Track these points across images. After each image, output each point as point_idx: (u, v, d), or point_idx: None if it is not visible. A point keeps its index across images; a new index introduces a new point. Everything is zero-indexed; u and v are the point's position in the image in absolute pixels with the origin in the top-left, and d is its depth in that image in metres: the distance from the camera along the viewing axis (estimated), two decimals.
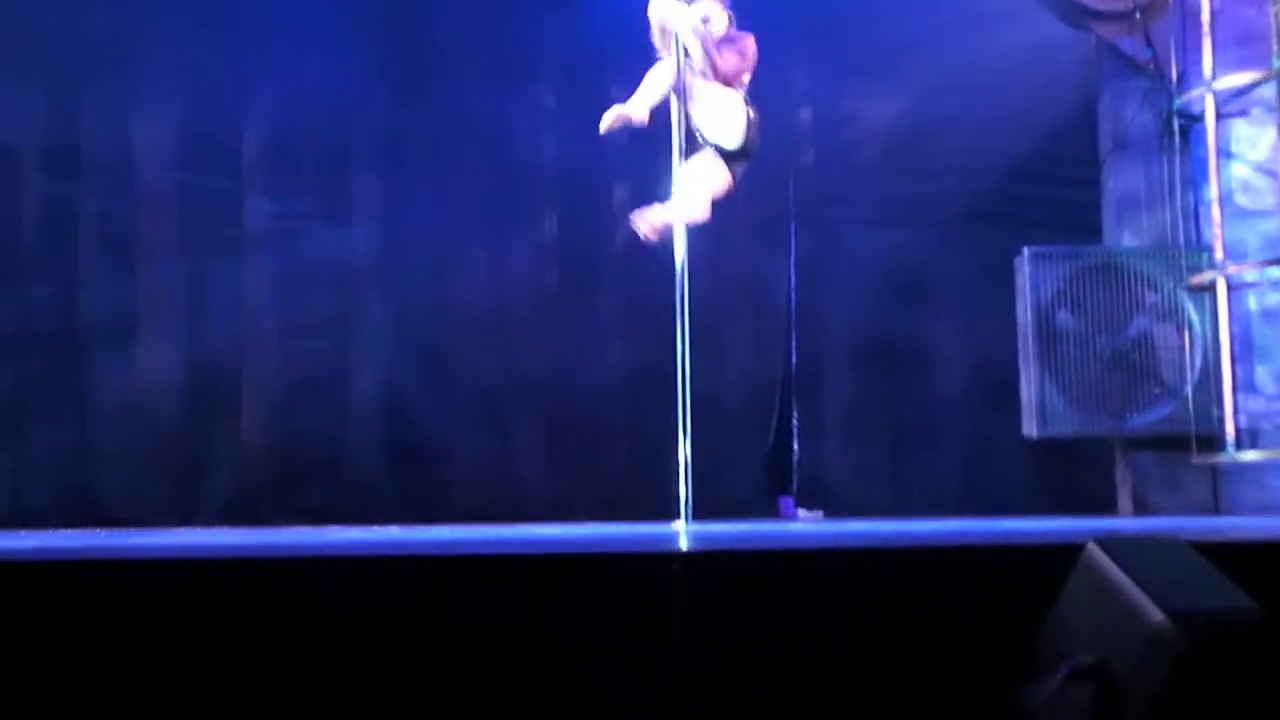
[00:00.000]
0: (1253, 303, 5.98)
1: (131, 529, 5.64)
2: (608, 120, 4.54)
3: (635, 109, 4.54)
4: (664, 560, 2.27)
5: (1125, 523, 5.00)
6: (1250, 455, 5.58)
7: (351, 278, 6.42)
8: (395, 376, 6.31)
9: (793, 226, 6.61)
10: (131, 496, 6.08)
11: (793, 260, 6.58)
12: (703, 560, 2.32)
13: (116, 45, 6.25)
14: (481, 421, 6.33)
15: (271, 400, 6.29)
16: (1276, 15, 5.70)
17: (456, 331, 6.38)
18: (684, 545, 2.72)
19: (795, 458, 6.47)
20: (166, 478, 6.17)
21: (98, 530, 5.41)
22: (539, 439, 6.35)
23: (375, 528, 5.07)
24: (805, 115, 6.68)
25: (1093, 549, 2.01)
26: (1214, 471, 5.97)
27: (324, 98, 6.21)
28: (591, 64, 6.27)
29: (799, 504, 6.41)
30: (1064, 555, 2.11)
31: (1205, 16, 5.48)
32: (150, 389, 6.22)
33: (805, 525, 5.50)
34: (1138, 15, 6.14)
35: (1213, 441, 5.64)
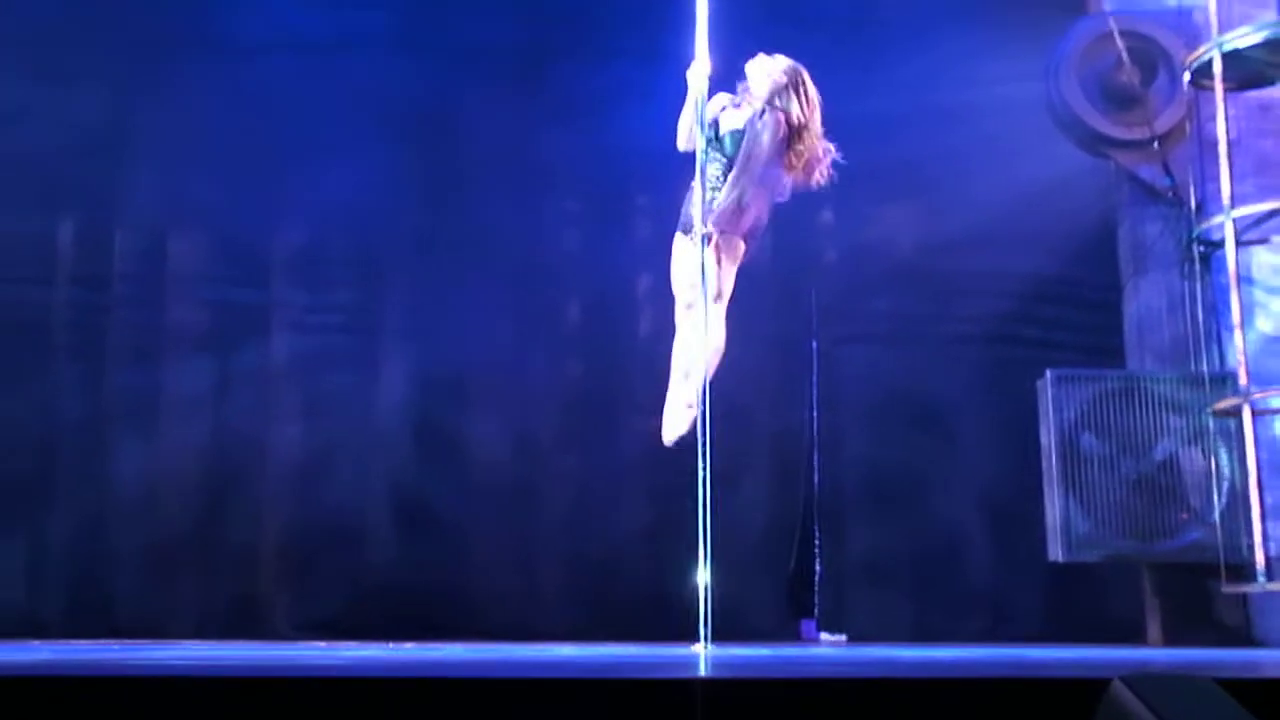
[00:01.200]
0: (1278, 428, 5.95)
1: (142, 640, 5.61)
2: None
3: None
4: (684, 686, 2.24)
5: (1154, 653, 4.90)
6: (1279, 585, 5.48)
7: (375, 389, 6.47)
8: (415, 489, 6.31)
9: (814, 346, 6.65)
10: (143, 604, 6.06)
11: (814, 380, 6.60)
12: (723, 686, 2.28)
13: (151, 149, 6.43)
14: (502, 537, 6.31)
15: (289, 509, 6.30)
16: None
17: (478, 445, 6.41)
18: (704, 670, 2.69)
19: (817, 580, 6.39)
20: (180, 585, 6.16)
21: (108, 642, 5.38)
22: (560, 558, 6.31)
23: (390, 644, 5.02)
24: (827, 234, 6.76)
25: (1118, 687, 1.97)
26: (1245, 600, 5.86)
27: (352, 207, 6.35)
28: (612, 175, 6.41)
29: (821, 628, 6.32)
30: (1090, 690, 2.07)
31: (1222, 146, 5.56)
32: (167, 494, 6.25)
33: (827, 650, 5.41)
34: (1156, 144, 6.24)
35: (1242, 569, 5.55)
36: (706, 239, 4.28)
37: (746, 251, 4.45)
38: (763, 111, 4.39)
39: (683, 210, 4.47)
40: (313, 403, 6.40)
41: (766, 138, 4.33)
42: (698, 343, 4.31)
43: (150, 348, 6.41)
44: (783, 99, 4.40)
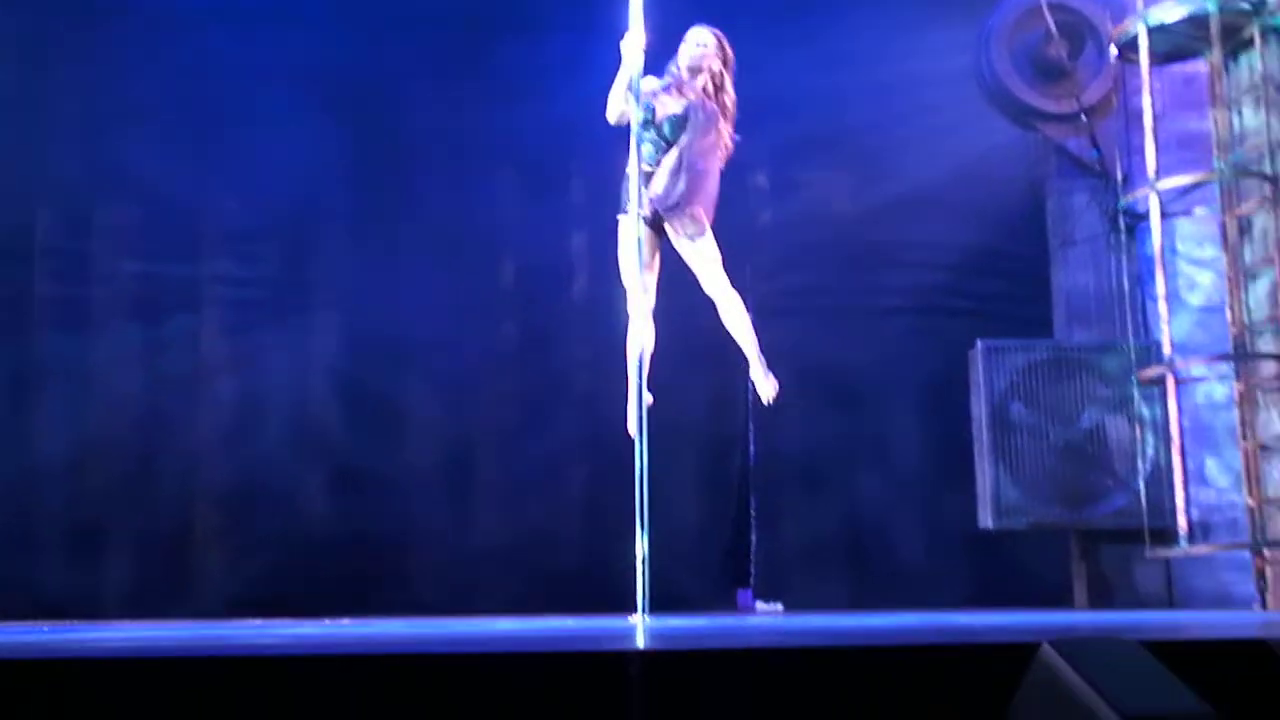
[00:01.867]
0: (1200, 396, 6.09)
1: (69, 620, 5.52)
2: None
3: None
4: (621, 658, 2.25)
5: (1080, 617, 5.02)
6: (1202, 549, 5.63)
7: (308, 364, 6.41)
8: (349, 463, 6.27)
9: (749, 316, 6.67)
10: (69, 581, 5.97)
11: None
12: (661, 658, 2.30)
13: (81, 130, 6.28)
14: (439, 514, 6.29)
15: (220, 485, 6.23)
16: (1215, 120, 5.90)
17: (414, 420, 6.37)
18: (641, 642, 2.70)
19: (753, 550, 6.45)
20: (109, 561, 6.07)
21: (51, 624, 5.29)
22: (497, 530, 6.31)
23: (326, 620, 4.99)
24: (757, 207, 6.79)
25: (1047, 650, 2.02)
26: (1168, 564, 6.02)
27: (285, 180, 6.25)
28: (555, 153, 6.37)
29: (757, 597, 6.38)
30: (1019, 654, 2.11)
31: (1148, 120, 5.65)
32: (93, 474, 6.14)
33: (763, 620, 5.47)
34: (1083, 117, 6.34)
35: (1166, 534, 5.70)
36: (647, 220, 4.26)
37: (707, 219, 4.46)
38: (703, 102, 4.37)
39: (622, 191, 4.43)
40: (245, 377, 6.32)
41: (713, 130, 4.35)
42: (647, 329, 4.33)
43: (76, 321, 6.28)
44: (717, 79, 4.40)
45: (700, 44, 4.42)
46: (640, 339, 4.39)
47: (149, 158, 6.19)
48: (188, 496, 6.21)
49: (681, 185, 4.32)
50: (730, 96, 4.42)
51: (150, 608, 5.89)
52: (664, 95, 4.44)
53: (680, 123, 4.36)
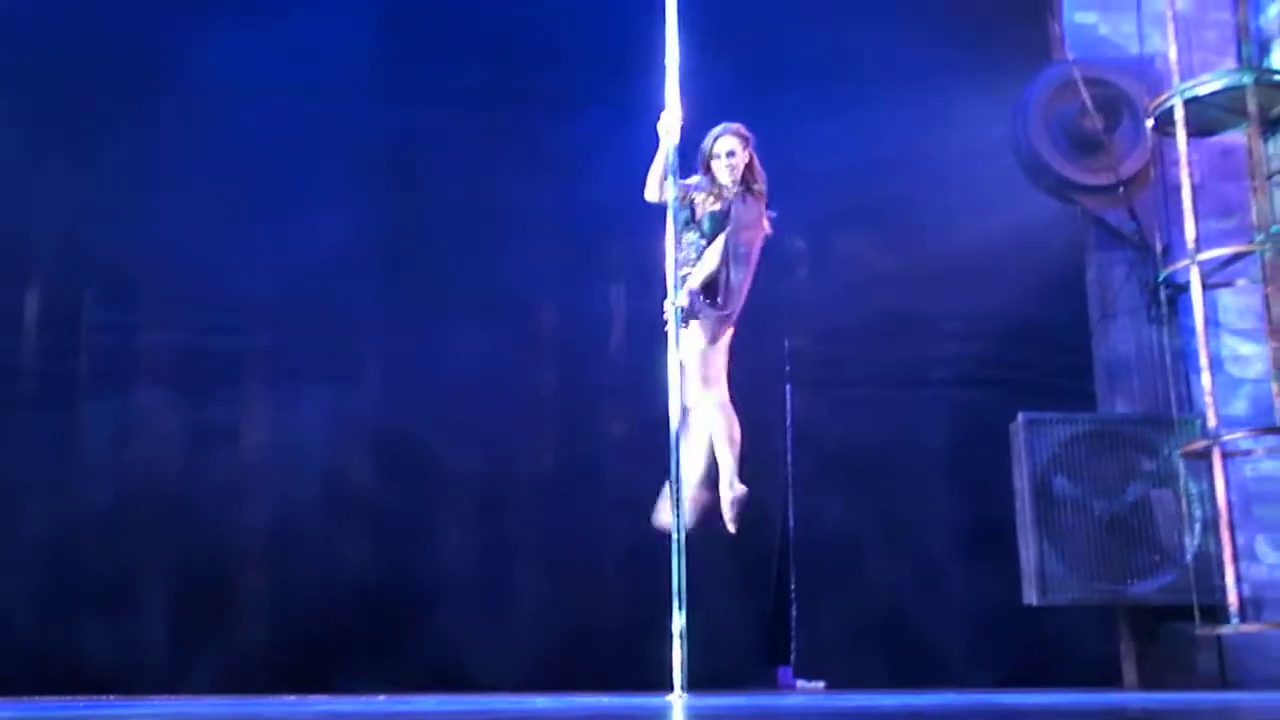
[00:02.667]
0: (1248, 470, 6.00)
1: (116, 697, 5.51)
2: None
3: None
4: None
5: (1130, 698, 4.90)
6: (1254, 627, 5.50)
7: (347, 442, 6.42)
8: (389, 543, 6.25)
9: (788, 389, 6.66)
10: (116, 662, 5.96)
11: (789, 424, 6.61)
12: None
13: (117, 205, 6.39)
14: (476, 588, 6.25)
15: (259, 563, 6.22)
16: (1255, 190, 5.88)
17: (449, 495, 6.36)
18: None
19: (794, 627, 6.37)
20: (153, 644, 6.06)
21: (80, 699, 5.28)
22: (534, 606, 6.26)
23: (366, 697, 4.96)
24: (798, 279, 6.80)
25: None
26: (1219, 642, 5.88)
27: (320, 253, 6.32)
28: (590, 228, 6.42)
29: (798, 674, 6.28)
30: None
31: (1186, 191, 5.63)
32: (137, 553, 6.16)
33: (804, 698, 5.38)
34: (1121, 189, 6.33)
35: (1216, 611, 5.57)
36: (683, 316, 4.26)
37: (730, 330, 4.46)
38: (743, 197, 4.42)
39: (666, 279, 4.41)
40: (279, 451, 6.34)
41: (754, 230, 4.41)
42: (717, 418, 4.38)
43: (115, 391, 6.35)
44: (750, 175, 4.44)
45: (729, 153, 4.45)
46: (695, 434, 4.41)
47: (185, 230, 6.28)
48: (225, 562, 6.20)
49: (736, 288, 4.36)
50: (761, 183, 4.47)
51: (186, 678, 5.88)
52: (700, 193, 4.48)
53: (721, 219, 4.42)
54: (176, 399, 6.36)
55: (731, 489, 4.42)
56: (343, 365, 6.51)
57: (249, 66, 6.33)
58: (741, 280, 4.42)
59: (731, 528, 4.48)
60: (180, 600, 6.11)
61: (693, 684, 3.91)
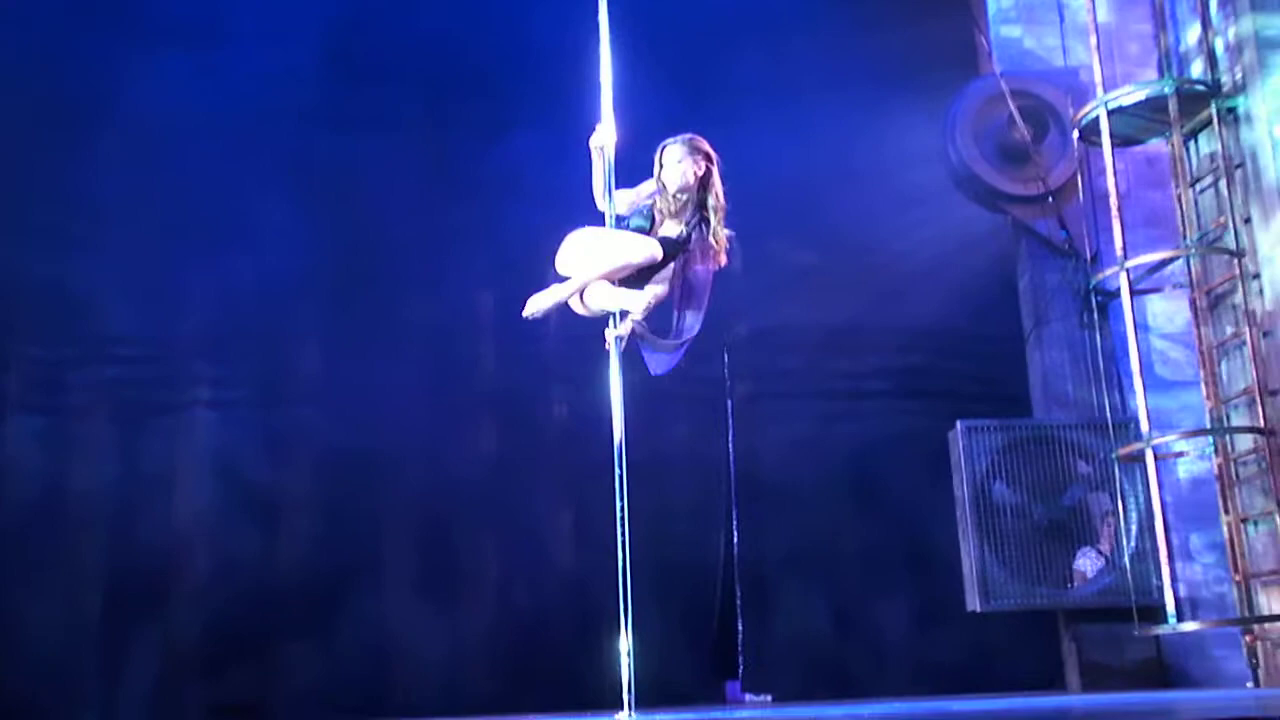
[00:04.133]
0: (1181, 472, 6.10)
1: None
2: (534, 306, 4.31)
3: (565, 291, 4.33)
4: None
5: (1073, 700, 4.96)
6: (1190, 626, 5.59)
7: (289, 468, 6.34)
8: (332, 565, 6.17)
9: (729, 404, 6.68)
10: (54, 688, 5.83)
11: (730, 438, 6.62)
12: None
13: (54, 219, 6.28)
14: (423, 612, 6.19)
15: (200, 589, 6.12)
16: (1179, 198, 6.00)
17: (394, 518, 6.30)
18: None
19: (740, 640, 6.37)
20: (90, 668, 5.94)
21: None
22: (482, 630, 6.21)
23: None
24: (736, 293, 6.81)
25: None
26: (1158, 642, 5.97)
27: (261, 280, 6.26)
28: (530, 246, 6.39)
29: (745, 688, 6.28)
30: None
31: (1113, 200, 5.74)
32: (75, 579, 6.04)
33: (752, 711, 5.38)
34: (1050, 199, 6.43)
35: (1155, 611, 5.66)
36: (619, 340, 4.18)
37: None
38: (701, 224, 4.26)
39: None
40: (221, 476, 6.25)
41: (709, 262, 4.27)
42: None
43: (53, 429, 6.23)
44: (704, 184, 4.26)
45: (677, 161, 4.23)
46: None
47: (127, 258, 6.20)
48: (163, 599, 6.09)
49: (691, 321, 4.28)
50: (719, 197, 4.30)
51: (115, 712, 5.76)
52: (661, 213, 4.30)
53: (678, 245, 4.26)
54: (114, 432, 6.25)
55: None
56: (284, 391, 6.43)
57: (191, 94, 6.27)
58: (694, 311, 4.32)
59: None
60: (116, 624, 6.00)
61: (641, 701, 3.89)
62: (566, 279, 4.21)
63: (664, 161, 4.27)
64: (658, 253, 4.19)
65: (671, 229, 4.29)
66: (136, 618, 6.01)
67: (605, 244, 4.18)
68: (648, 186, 4.34)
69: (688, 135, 4.30)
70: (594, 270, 4.14)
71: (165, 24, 6.41)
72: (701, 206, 4.29)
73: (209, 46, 6.34)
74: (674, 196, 4.27)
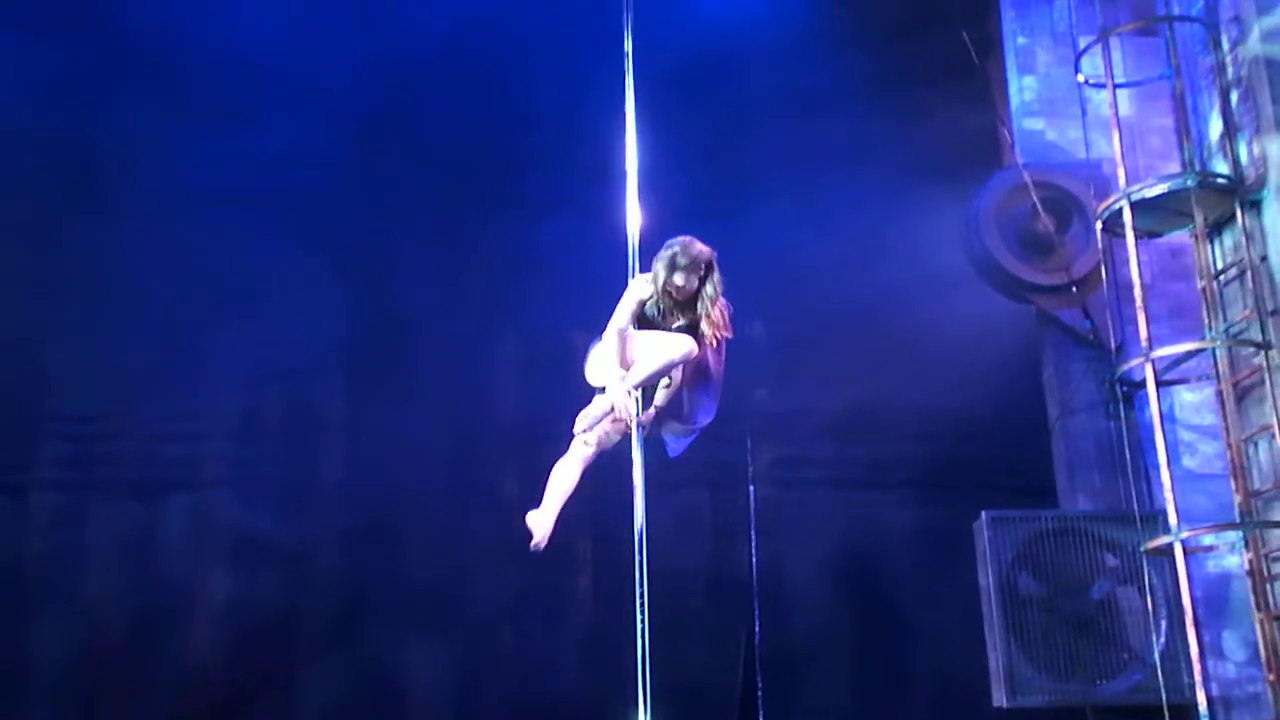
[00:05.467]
0: (1211, 566, 5.99)
1: None
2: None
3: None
4: None
5: None
6: None
7: (310, 534, 6.35)
8: (353, 635, 6.15)
9: (751, 490, 6.63)
10: None
11: (753, 525, 6.56)
12: None
13: (86, 299, 6.36)
14: (442, 695, 6.12)
15: (220, 643, 6.13)
16: (1204, 290, 5.98)
17: (416, 592, 6.28)
18: None
19: None
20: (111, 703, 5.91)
21: None
22: (501, 715, 6.13)
23: None
24: (759, 381, 6.82)
25: None
26: None
27: (291, 357, 6.31)
28: (555, 320, 6.44)
29: None
30: None
31: (1138, 291, 5.72)
32: (102, 624, 6.04)
33: None
34: (1074, 289, 6.43)
35: (1186, 710, 5.51)
36: (641, 427, 4.24)
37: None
38: (706, 318, 4.34)
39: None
40: (249, 552, 6.26)
41: (719, 349, 4.36)
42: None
43: (78, 503, 6.26)
44: (709, 296, 4.34)
45: (682, 280, 4.25)
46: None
47: (155, 334, 6.27)
48: (179, 664, 6.07)
49: (706, 403, 4.34)
50: (721, 303, 4.37)
51: None
52: (669, 313, 4.35)
53: (694, 333, 4.33)
54: (137, 505, 6.28)
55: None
56: (306, 467, 6.45)
57: (220, 174, 6.40)
58: (707, 394, 4.40)
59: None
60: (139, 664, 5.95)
61: None
62: (601, 389, 4.26)
63: (669, 274, 4.33)
64: (694, 346, 4.23)
65: (681, 319, 4.38)
66: (158, 661, 5.99)
67: (647, 349, 4.26)
68: (639, 289, 4.35)
69: (684, 244, 4.31)
70: (641, 375, 4.22)
71: (200, 103, 6.55)
72: (706, 316, 4.37)
73: (241, 125, 6.46)
74: (679, 294, 4.36)
